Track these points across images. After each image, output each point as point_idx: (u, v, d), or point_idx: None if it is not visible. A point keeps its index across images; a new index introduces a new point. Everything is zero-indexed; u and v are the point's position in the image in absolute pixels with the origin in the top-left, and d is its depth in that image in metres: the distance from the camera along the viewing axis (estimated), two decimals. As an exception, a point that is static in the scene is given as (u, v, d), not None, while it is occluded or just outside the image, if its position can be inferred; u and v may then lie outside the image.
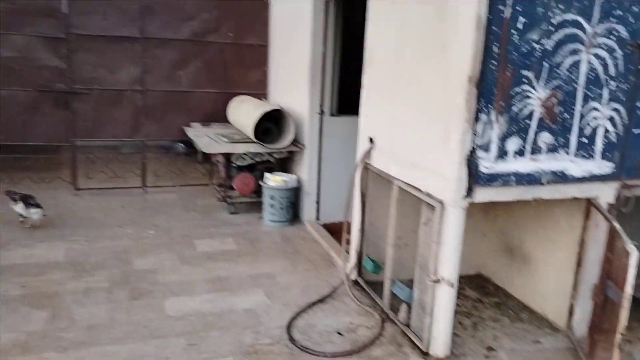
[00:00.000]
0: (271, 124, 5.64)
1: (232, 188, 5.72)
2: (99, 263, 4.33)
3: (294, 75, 5.65)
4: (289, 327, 3.54)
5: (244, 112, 5.73)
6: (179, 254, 4.63)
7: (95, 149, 6.97)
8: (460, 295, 3.97)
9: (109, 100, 6.09)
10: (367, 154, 3.92)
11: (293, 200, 5.49)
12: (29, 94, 5.79)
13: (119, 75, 6.06)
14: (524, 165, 3.02)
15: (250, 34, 6.45)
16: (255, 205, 5.76)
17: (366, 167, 3.96)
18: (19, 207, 4.99)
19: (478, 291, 4.21)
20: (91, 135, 6.13)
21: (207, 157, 7.07)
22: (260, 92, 6.59)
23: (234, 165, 5.61)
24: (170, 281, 4.11)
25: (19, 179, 6.15)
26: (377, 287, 3.92)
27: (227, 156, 5.56)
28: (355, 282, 4.18)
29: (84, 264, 4.29)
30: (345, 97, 5.39)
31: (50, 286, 3.89)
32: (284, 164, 5.84)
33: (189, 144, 8.01)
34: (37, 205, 5.02)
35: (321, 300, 3.92)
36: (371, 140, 3.88)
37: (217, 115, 6.48)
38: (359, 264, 4.14)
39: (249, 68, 6.56)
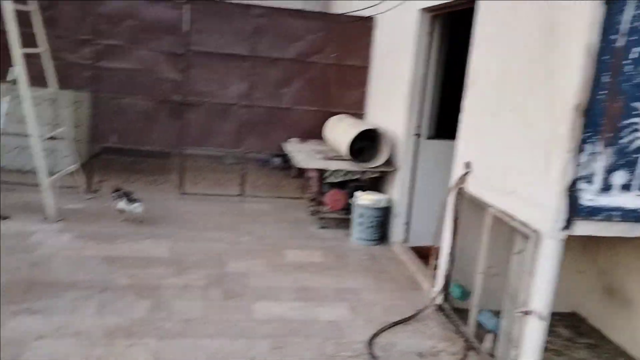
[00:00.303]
0: (366, 143, 5.75)
1: (323, 203, 5.88)
2: (197, 262, 4.64)
3: (392, 96, 5.74)
4: (370, 342, 3.58)
5: (341, 130, 5.90)
6: (269, 261, 4.84)
7: (201, 157, 7.48)
8: (550, 331, 3.79)
9: (217, 113, 6.52)
10: (462, 178, 3.90)
11: (382, 220, 5.53)
12: (149, 103, 6.36)
13: (228, 90, 6.49)
14: (631, 200, 2.87)
15: (352, 55, 6.65)
16: (344, 221, 5.87)
17: (460, 192, 3.93)
18: (122, 203, 5.47)
19: (571, 330, 4.00)
20: (199, 144, 6.59)
21: (301, 172, 7.34)
22: (357, 111, 6.75)
23: (327, 181, 5.77)
24: (259, 286, 4.31)
25: (134, 179, 6.74)
26: (463, 314, 3.85)
27: (321, 172, 5.74)
28: (440, 307, 4.13)
29: (184, 262, 4.61)
30: (443, 120, 5.39)
31: (154, 279, 4.22)
32: (376, 183, 5.91)
33: (285, 158, 8.36)
34: (137, 200, 5.48)
35: (404, 321, 3.93)
36: (467, 165, 3.86)
37: (315, 133, 6.72)
38: (446, 290, 4.09)
39: (348, 88, 6.74)
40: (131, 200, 5.49)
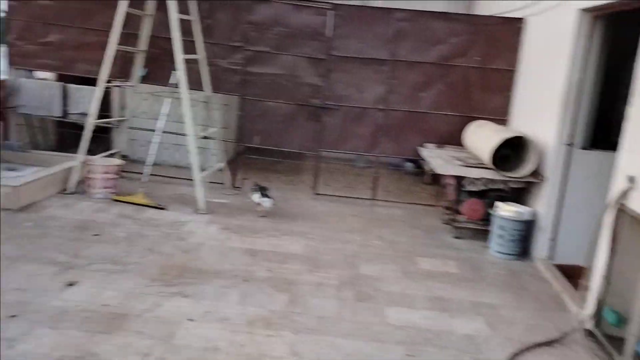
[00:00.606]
0: (510, 151, 5.45)
1: (459, 212, 5.67)
2: (330, 262, 4.72)
3: (542, 102, 5.37)
4: (510, 362, 3.37)
5: (483, 137, 5.65)
6: (401, 267, 4.78)
7: (333, 160, 7.63)
8: None
9: (353, 117, 6.61)
10: (624, 194, 3.52)
11: (524, 233, 5.20)
12: (290, 106, 6.63)
13: (365, 94, 6.54)
14: None
15: (498, 58, 6.35)
16: (481, 232, 5.61)
17: (621, 209, 3.55)
18: (256, 196, 5.84)
19: None
20: (334, 147, 6.73)
21: (435, 179, 7.16)
22: (500, 117, 6.42)
23: (465, 189, 5.56)
24: (392, 291, 4.27)
25: (272, 178, 7.07)
26: (617, 342, 3.47)
27: (459, 180, 5.54)
28: (590, 333, 3.76)
29: (318, 261, 4.72)
30: (600, 129, 4.93)
31: (290, 274, 4.38)
32: (518, 194, 5.56)
33: (417, 164, 8.23)
34: (269, 196, 5.81)
35: (548, 343, 3.64)
36: (631, 180, 3.47)
37: (452, 138, 6.52)
38: (598, 314, 3.72)
39: (491, 93, 6.45)
40: (264, 195, 5.83)
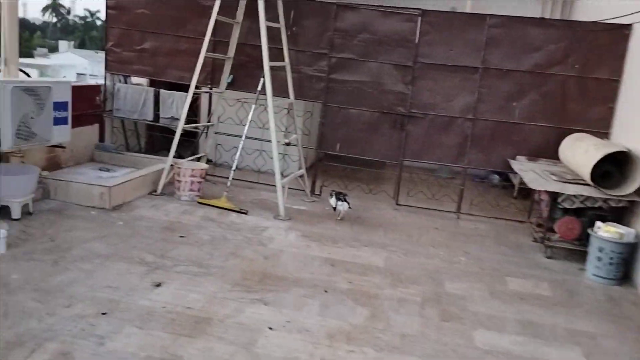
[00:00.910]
0: (612, 168, 5.02)
1: (552, 230, 5.30)
2: (413, 277, 4.55)
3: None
4: (615, 401, 3.05)
5: (582, 151, 5.25)
6: (489, 287, 4.51)
7: (414, 169, 7.42)
8: None
9: (439, 126, 6.39)
10: None
11: (627, 257, 4.76)
12: (373, 114, 6.51)
13: (453, 103, 6.31)
14: None
15: (599, 66, 5.91)
16: (576, 254, 5.22)
17: None
18: (333, 200, 5.90)
19: None
20: (418, 157, 6.53)
21: (524, 193, 6.78)
22: (601, 130, 5.96)
23: (560, 206, 5.18)
24: (479, 312, 4.03)
25: (352, 187, 6.98)
26: None
27: (553, 196, 5.18)
28: None
29: (400, 275, 4.57)
30: None
31: (371, 288, 4.25)
32: (618, 213, 5.12)
33: (504, 176, 7.84)
34: (345, 200, 5.87)
35: (659, 383, 3.27)
36: None
37: (546, 151, 6.13)
38: None
39: (591, 104, 6.01)
40: (340, 199, 5.84)
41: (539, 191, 5.36)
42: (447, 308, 4.04)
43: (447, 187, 7.18)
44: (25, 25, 47.75)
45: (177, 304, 3.64)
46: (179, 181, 6.02)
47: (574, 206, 5.13)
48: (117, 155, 7.03)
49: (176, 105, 6.99)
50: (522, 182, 7.34)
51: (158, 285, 3.90)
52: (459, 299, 4.21)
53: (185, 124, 6.44)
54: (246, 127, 6.08)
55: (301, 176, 6.61)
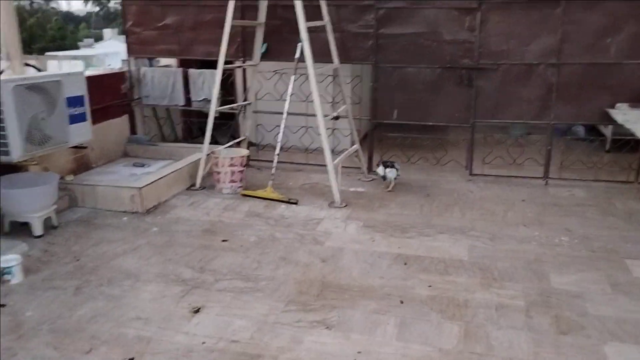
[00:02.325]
0: None
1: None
2: (508, 271, 3.65)
3: None
4: None
5: None
6: (608, 276, 3.55)
7: (494, 131, 6.35)
8: None
9: (516, 77, 5.31)
10: None
11: None
12: (434, 71, 5.51)
13: (531, 47, 5.20)
14: None
15: None
16: None
17: None
18: (380, 169, 5.28)
19: None
20: (493, 116, 5.49)
21: (619, 145, 5.65)
22: None
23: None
24: (604, 315, 3.10)
25: (416, 158, 6.04)
26: None
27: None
28: None
29: (491, 270, 3.67)
30: None
31: (458, 292, 3.39)
32: None
33: (590, 127, 6.68)
34: (393, 167, 5.26)
35: None
36: None
37: (654, 94, 4.98)
38: None
39: None
40: (388, 166, 5.23)
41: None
42: (561, 313, 3.13)
43: (528, 148, 6.11)
44: (70, 18, 48.47)
45: (220, 337, 2.93)
46: (218, 172, 5.30)
47: None
48: (151, 147, 6.39)
49: (208, 85, 6.22)
50: (616, 133, 6.21)
51: (197, 311, 3.20)
52: (574, 298, 3.29)
53: (219, 106, 5.69)
54: (287, 103, 5.24)
55: (356, 152, 5.74)
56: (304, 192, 5.32)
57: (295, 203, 4.98)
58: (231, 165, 5.24)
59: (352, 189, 5.42)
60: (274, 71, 6.01)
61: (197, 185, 5.46)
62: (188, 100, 6.41)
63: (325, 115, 5.05)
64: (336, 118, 5.15)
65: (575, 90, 5.18)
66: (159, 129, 7.03)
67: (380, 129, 6.08)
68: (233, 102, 6.23)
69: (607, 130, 6.44)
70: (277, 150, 5.23)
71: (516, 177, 5.58)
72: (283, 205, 4.96)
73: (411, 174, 5.87)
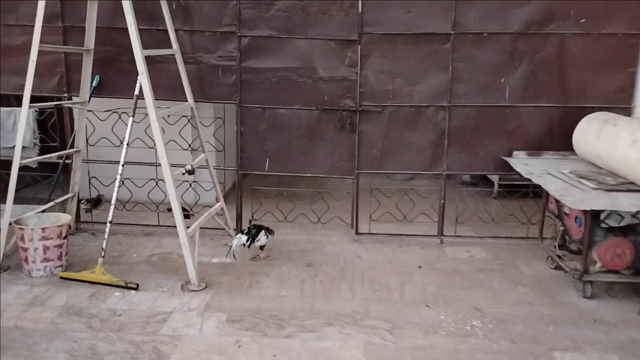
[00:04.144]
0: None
1: (589, 258, 3.65)
2: (419, 385, 2.73)
3: None
4: None
5: (625, 140, 3.60)
6: (539, 381, 2.78)
7: (380, 183, 5.55)
8: None
9: (404, 121, 4.58)
10: None
11: None
12: (310, 113, 4.61)
13: (419, 87, 4.51)
14: None
15: (613, 18, 4.30)
16: (631, 288, 3.63)
17: None
18: (237, 240, 4.25)
19: None
20: (378, 166, 4.70)
21: (505, 190, 5.18)
22: (619, 105, 4.41)
23: (603, 224, 3.53)
24: None
25: (294, 215, 5.05)
26: None
27: (594, 212, 3.52)
28: None
29: (397, 385, 2.73)
30: None
31: None
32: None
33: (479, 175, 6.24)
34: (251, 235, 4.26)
35: None
36: None
37: (550, 142, 4.52)
38: None
39: (603, 70, 4.41)
40: (252, 232, 4.25)
41: (555, 199, 3.70)
42: None
43: (418, 199, 5.40)
44: None
45: None
46: (25, 249, 3.86)
47: (623, 223, 3.51)
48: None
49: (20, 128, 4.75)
50: (502, 178, 5.78)
51: None
52: None
53: (39, 154, 4.33)
54: (124, 150, 4.00)
55: (220, 210, 4.61)
56: (151, 269, 4.07)
57: (135, 288, 3.71)
58: (43, 238, 3.84)
59: (215, 260, 4.28)
60: (110, 110, 4.72)
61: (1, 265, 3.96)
62: (-6, 147, 4.86)
63: (181, 166, 3.91)
64: (190, 172, 3.99)
65: (469, 136, 4.57)
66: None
67: (249, 180, 5.02)
68: (57, 149, 4.80)
69: (494, 176, 5.99)
70: (110, 216, 3.93)
71: (408, 235, 4.82)
72: (117, 293, 3.66)
73: (289, 234, 4.87)
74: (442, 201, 4.71)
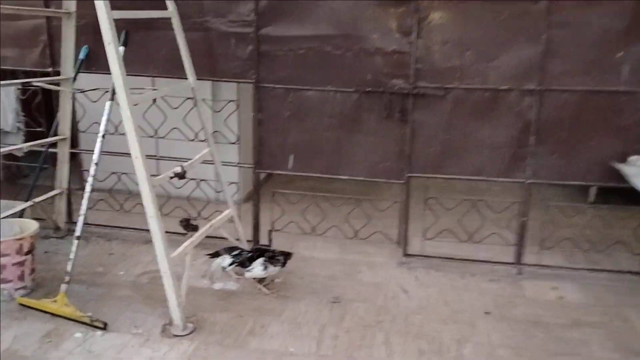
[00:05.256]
0: None
1: None
2: None
3: None
4: None
5: None
6: None
7: (438, 189, 4.34)
8: None
9: (473, 109, 3.38)
10: None
11: None
12: (348, 96, 3.50)
13: (498, 63, 3.28)
14: None
15: None
16: None
17: None
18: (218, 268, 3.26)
19: None
20: (436, 169, 3.54)
21: (605, 194, 3.89)
22: None
23: None
24: None
25: (322, 227, 3.98)
26: None
27: None
28: None
29: None
30: None
31: None
32: None
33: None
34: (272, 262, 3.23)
35: None
36: None
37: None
38: None
39: None
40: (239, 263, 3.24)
41: None
42: None
43: (496, 217, 4.14)
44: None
45: None
46: (-24, 267, 3.07)
47: None
48: None
49: (3, 109, 3.97)
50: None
51: None
52: None
53: (24, 140, 3.59)
54: (99, 140, 3.11)
55: (231, 218, 3.63)
56: (134, 296, 3.19)
57: (102, 328, 2.83)
58: (3, 253, 3.02)
59: (217, 286, 3.33)
60: (98, 89, 3.82)
61: (-49, 283, 3.20)
62: (-27, 131, 4.12)
63: (185, 161, 2.96)
64: (180, 176, 3.02)
65: (565, 132, 3.30)
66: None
67: (273, 182, 4.01)
68: (45, 136, 3.98)
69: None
70: (79, 230, 3.05)
71: (473, 261, 3.65)
72: (79, 333, 2.80)
73: (318, 249, 3.86)
74: (524, 218, 3.50)
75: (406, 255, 3.70)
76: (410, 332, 2.87)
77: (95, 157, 3.09)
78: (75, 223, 4.02)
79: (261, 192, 3.83)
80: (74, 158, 4.24)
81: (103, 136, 3.11)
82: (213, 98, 4.23)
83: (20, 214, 3.76)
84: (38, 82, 3.50)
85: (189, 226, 3.30)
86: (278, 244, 3.74)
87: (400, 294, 3.29)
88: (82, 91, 3.84)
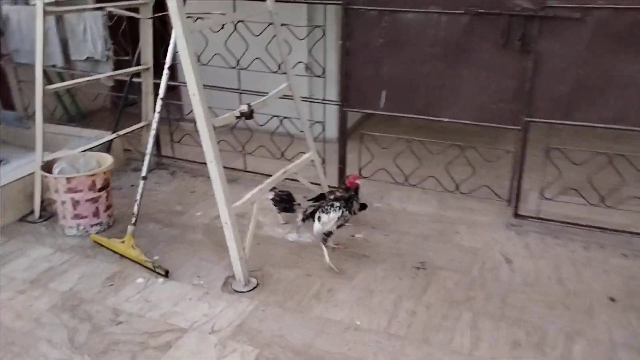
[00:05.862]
0: None
1: None
2: None
3: None
4: None
5: None
6: None
7: (563, 137, 3.54)
8: None
9: (620, 37, 2.56)
10: None
11: None
12: (455, 20, 2.83)
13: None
14: None
15: None
16: None
17: None
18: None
19: None
20: (565, 113, 2.80)
21: None
22: None
23: None
24: None
25: (419, 175, 3.45)
26: None
27: None
28: None
29: None
30: None
31: None
32: None
33: None
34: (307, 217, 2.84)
35: None
36: None
37: None
38: None
39: None
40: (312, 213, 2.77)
41: None
42: None
43: (625, 171, 3.30)
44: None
45: None
46: (54, 201, 3.06)
47: None
48: (25, 130, 4.21)
49: (92, 37, 3.87)
50: None
51: None
52: None
53: (113, 69, 3.53)
54: (164, 73, 2.84)
55: (312, 161, 3.25)
56: (204, 241, 3.01)
57: (164, 275, 2.68)
58: (70, 190, 2.96)
59: (291, 237, 3.03)
60: (191, 15, 3.52)
61: (36, 214, 3.26)
62: (67, 58, 4.10)
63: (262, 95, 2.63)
64: (246, 116, 2.66)
65: None
66: (58, 100, 4.83)
67: (366, 123, 3.52)
68: (129, 64, 3.84)
69: None
70: (145, 170, 2.87)
71: (604, 229, 2.93)
72: (141, 279, 2.68)
73: (413, 202, 3.38)
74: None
75: (517, 216, 3.08)
76: (506, 316, 2.34)
77: (161, 92, 2.83)
78: (163, 157, 3.97)
79: (350, 134, 3.38)
80: (173, 89, 4.10)
81: (169, 68, 2.82)
82: (308, 24, 3.75)
83: (108, 146, 3.72)
84: (113, 7, 3.27)
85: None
86: (366, 194, 3.31)
87: (502, 265, 2.73)
88: (157, 16, 3.56)
